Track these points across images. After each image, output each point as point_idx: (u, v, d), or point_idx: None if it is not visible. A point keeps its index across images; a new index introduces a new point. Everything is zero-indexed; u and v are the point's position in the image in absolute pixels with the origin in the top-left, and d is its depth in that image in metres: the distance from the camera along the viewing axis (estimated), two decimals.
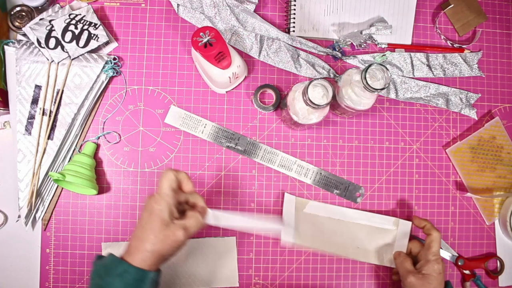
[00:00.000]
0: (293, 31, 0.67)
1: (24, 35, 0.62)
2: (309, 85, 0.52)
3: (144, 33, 0.66)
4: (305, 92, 0.52)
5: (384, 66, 0.54)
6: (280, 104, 0.65)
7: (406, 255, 0.61)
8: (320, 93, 0.53)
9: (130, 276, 0.45)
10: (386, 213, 0.66)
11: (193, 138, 0.65)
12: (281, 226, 0.62)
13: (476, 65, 0.69)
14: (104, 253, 0.62)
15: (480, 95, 0.69)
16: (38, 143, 0.60)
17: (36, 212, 0.61)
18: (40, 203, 0.62)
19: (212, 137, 0.64)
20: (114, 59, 0.63)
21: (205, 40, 0.56)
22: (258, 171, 0.65)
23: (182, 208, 0.50)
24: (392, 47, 0.69)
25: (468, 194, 0.67)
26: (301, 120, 0.57)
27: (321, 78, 0.53)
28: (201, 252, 0.63)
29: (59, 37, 0.61)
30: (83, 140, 0.64)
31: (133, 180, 0.64)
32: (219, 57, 0.57)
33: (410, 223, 0.63)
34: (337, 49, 0.67)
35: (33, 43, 0.61)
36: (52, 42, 0.61)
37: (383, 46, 0.68)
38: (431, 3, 0.70)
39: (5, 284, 0.62)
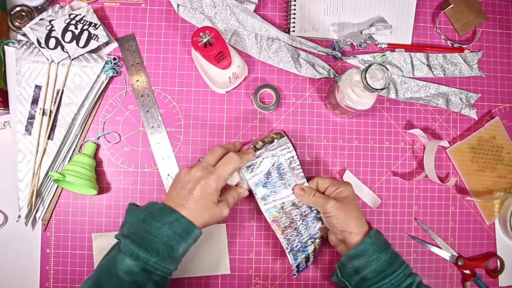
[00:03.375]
0: (293, 31, 0.67)
1: (24, 35, 0.62)
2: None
3: (144, 33, 0.66)
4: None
5: (384, 66, 0.54)
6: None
7: (312, 189, 0.58)
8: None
9: (180, 226, 0.48)
10: (386, 213, 0.66)
11: (193, 138, 0.65)
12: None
13: (476, 65, 0.69)
14: (94, 243, 0.62)
15: (480, 95, 0.69)
16: (38, 143, 0.60)
17: (36, 212, 0.61)
18: (40, 203, 0.62)
19: None
20: (114, 59, 0.63)
21: (205, 40, 0.56)
22: None
23: None
24: (392, 47, 0.69)
25: (469, 198, 0.67)
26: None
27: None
28: None
29: (59, 37, 0.61)
30: (83, 140, 0.64)
31: (133, 180, 0.64)
32: (219, 57, 0.57)
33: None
34: (337, 49, 0.67)
35: (33, 43, 0.61)
36: (52, 42, 0.61)
37: (383, 46, 0.68)
38: (431, 3, 0.70)
39: (5, 284, 0.62)
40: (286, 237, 0.58)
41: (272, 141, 0.58)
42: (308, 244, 0.59)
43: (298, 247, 0.59)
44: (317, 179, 0.59)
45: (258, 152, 0.57)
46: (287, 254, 0.58)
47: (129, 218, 0.50)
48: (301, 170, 0.59)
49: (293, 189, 0.58)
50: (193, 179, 0.51)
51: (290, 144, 0.58)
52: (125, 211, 0.52)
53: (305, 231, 0.59)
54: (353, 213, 0.55)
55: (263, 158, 0.57)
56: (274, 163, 0.57)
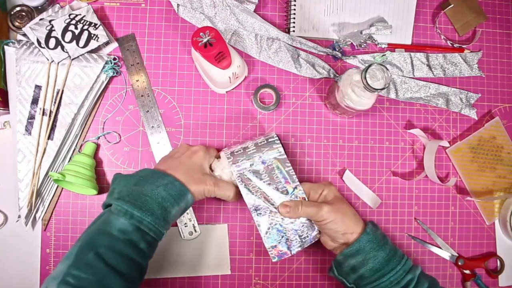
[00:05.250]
0: (293, 31, 0.67)
1: (24, 35, 0.62)
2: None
3: (144, 33, 0.66)
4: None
5: (384, 66, 0.54)
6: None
7: (297, 201, 0.55)
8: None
9: (174, 188, 0.49)
10: (386, 213, 0.66)
11: (193, 138, 0.65)
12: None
13: (476, 65, 0.69)
14: None
15: (480, 95, 0.69)
16: (38, 143, 0.60)
17: (36, 212, 0.61)
18: (40, 203, 0.62)
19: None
20: (114, 59, 0.63)
21: (205, 40, 0.56)
22: None
23: None
24: (392, 47, 0.69)
25: (469, 198, 0.67)
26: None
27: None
28: (193, 238, 0.63)
29: (59, 37, 0.61)
30: (83, 140, 0.64)
31: None
32: (219, 57, 0.57)
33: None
34: (337, 49, 0.67)
35: (33, 43, 0.61)
36: (52, 42, 0.61)
37: (383, 46, 0.68)
38: (431, 3, 0.70)
39: (5, 284, 0.62)
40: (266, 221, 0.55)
41: (264, 143, 0.57)
42: (288, 228, 0.55)
43: (276, 229, 0.55)
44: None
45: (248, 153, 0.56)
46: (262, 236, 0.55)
47: (117, 184, 0.49)
48: (291, 168, 0.56)
49: (277, 208, 0.55)
50: (182, 150, 0.56)
51: (281, 148, 0.56)
52: (111, 181, 0.51)
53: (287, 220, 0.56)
54: (348, 212, 0.54)
55: (253, 161, 0.56)
56: (263, 161, 0.56)
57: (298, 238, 0.55)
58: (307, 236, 0.56)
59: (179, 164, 0.53)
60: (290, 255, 0.55)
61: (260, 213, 0.55)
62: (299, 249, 0.55)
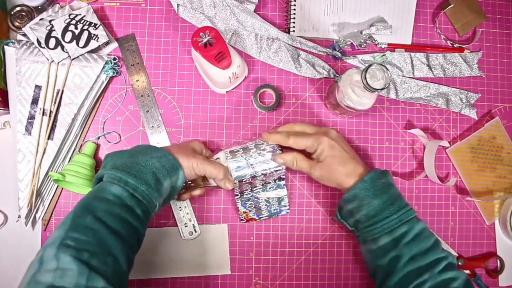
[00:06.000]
0: (293, 31, 0.67)
1: (24, 35, 0.62)
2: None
3: (144, 33, 0.66)
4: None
5: (384, 66, 0.54)
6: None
7: (291, 153, 0.57)
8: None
9: (168, 161, 0.50)
10: None
11: (193, 138, 0.65)
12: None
13: (476, 65, 0.69)
14: None
15: (480, 95, 0.69)
16: (38, 143, 0.60)
17: (36, 212, 0.61)
18: (40, 203, 0.62)
19: None
20: (114, 59, 0.63)
21: (205, 40, 0.56)
22: None
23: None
24: (392, 47, 0.69)
25: (469, 198, 0.67)
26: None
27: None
28: (193, 238, 0.63)
29: (59, 37, 0.61)
30: (83, 140, 0.64)
31: None
32: (219, 57, 0.57)
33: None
34: (337, 49, 0.67)
35: (33, 43, 0.61)
36: (52, 42, 0.61)
37: (383, 46, 0.68)
38: (431, 3, 0.70)
39: (5, 284, 0.62)
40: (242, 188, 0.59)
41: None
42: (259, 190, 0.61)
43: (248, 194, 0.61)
44: (289, 142, 0.56)
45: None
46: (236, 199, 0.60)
47: (110, 160, 0.49)
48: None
49: (273, 160, 0.57)
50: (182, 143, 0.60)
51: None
52: (103, 159, 0.51)
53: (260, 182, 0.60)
54: (342, 165, 0.55)
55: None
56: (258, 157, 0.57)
57: (267, 209, 0.63)
58: (276, 210, 0.63)
59: (174, 145, 0.59)
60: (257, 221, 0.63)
61: (242, 179, 0.57)
62: (267, 218, 0.64)
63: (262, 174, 0.57)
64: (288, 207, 0.63)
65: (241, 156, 0.56)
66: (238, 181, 0.57)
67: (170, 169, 0.50)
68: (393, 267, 0.51)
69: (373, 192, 0.53)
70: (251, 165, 0.56)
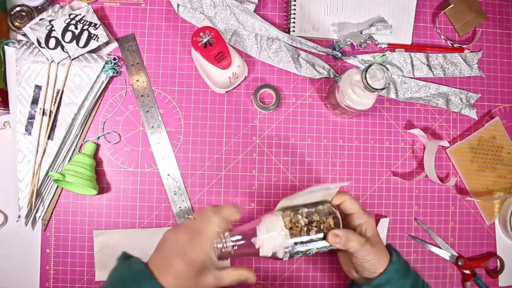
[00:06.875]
0: (293, 31, 0.67)
1: (24, 35, 0.62)
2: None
3: (144, 33, 0.66)
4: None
5: (384, 66, 0.54)
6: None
7: (346, 231, 0.50)
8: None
9: None
10: (386, 213, 0.66)
11: (193, 138, 0.65)
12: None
13: (476, 65, 0.69)
14: (96, 240, 0.62)
15: (480, 95, 0.69)
16: (38, 143, 0.60)
17: (36, 212, 0.61)
18: (40, 203, 0.62)
19: None
20: (114, 59, 0.63)
21: (205, 40, 0.56)
22: (258, 171, 0.65)
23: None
24: (392, 47, 0.69)
25: (469, 198, 0.67)
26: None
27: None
28: None
29: (59, 37, 0.61)
30: (83, 140, 0.64)
31: (133, 180, 0.64)
32: (219, 57, 0.57)
33: None
34: (337, 49, 0.67)
35: (33, 43, 0.61)
36: (52, 42, 0.61)
37: (383, 46, 0.68)
38: (431, 3, 0.70)
39: (5, 284, 0.62)
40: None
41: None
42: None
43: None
44: (347, 198, 0.51)
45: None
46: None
47: (114, 270, 0.46)
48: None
49: (325, 235, 0.49)
50: (176, 246, 0.45)
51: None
52: (116, 259, 0.48)
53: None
54: (382, 251, 0.51)
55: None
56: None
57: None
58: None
59: (173, 261, 0.44)
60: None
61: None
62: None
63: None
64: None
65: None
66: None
67: None
68: None
69: (402, 272, 0.51)
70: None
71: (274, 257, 0.47)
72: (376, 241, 0.51)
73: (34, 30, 0.61)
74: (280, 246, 0.46)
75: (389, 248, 0.54)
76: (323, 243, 0.49)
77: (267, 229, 0.47)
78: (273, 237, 0.46)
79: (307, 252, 0.49)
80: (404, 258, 0.54)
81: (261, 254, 0.47)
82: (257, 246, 0.46)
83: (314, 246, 0.48)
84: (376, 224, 0.63)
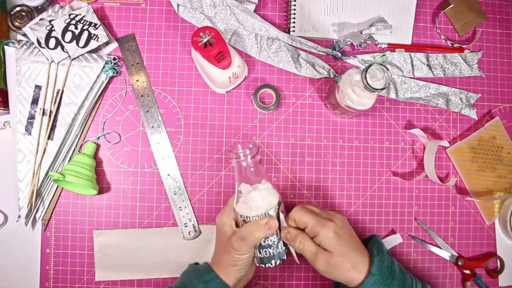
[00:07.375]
0: (293, 31, 0.67)
1: (24, 35, 0.62)
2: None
3: (144, 33, 0.66)
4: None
5: (384, 66, 0.54)
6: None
7: (298, 233, 0.51)
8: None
9: (214, 285, 0.51)
10: (386, 213, 0.66)
11: (193, 138, 0.65)
12: None
13: (476, 65, 0.69)
14: (96, 240, 0.62)
15: (480, 95, 0.69)
16: (38, 143, 0.60)
17: (36, 212, 0.61)
18: (40, 203, 0.62)
19: None
20: (114, 59, 0.63)
21: (205, 40, 0.56)
22: None
23: None
24: (392, 47, 0.69)
25: (469, 198, 0.67)
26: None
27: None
28: (193, 238, 0.63)
29: (59, 37, 0.61)
30: (83, 140, 0.64)
31: (133, 180, 0.64)
32: (219, 57, 0.57)
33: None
34: (337, 49, 0.67)
35: (33, 43, 0.61)
36: (52, 42, 0.61)
37: (383, 46, 0.68)
38: (431, 3, 0.70)
39: (5, 284, 0.62)
40: None
41: None
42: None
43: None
44: (293, 214, 0.51)
45: None
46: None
47: (185, 271, 0.57)
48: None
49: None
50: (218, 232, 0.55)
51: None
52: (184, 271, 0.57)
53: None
54: (347, 259, 0.49)
55: None
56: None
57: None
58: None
59: (216, 245, 0.56)
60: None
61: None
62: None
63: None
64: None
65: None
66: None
67: None
68: None
69: (383, 283, 0.48)
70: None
71: (261, 260, 0.52)
72: (341, 252, 0.49)
73: (34, 30, 0.61)
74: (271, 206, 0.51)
75: (372, 248, 0.52)
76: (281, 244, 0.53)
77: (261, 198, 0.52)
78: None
79: (279, 255, 0.52)
80: (391, 257, 0.52)
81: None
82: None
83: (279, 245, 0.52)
84: (383, 237, 0.64)
